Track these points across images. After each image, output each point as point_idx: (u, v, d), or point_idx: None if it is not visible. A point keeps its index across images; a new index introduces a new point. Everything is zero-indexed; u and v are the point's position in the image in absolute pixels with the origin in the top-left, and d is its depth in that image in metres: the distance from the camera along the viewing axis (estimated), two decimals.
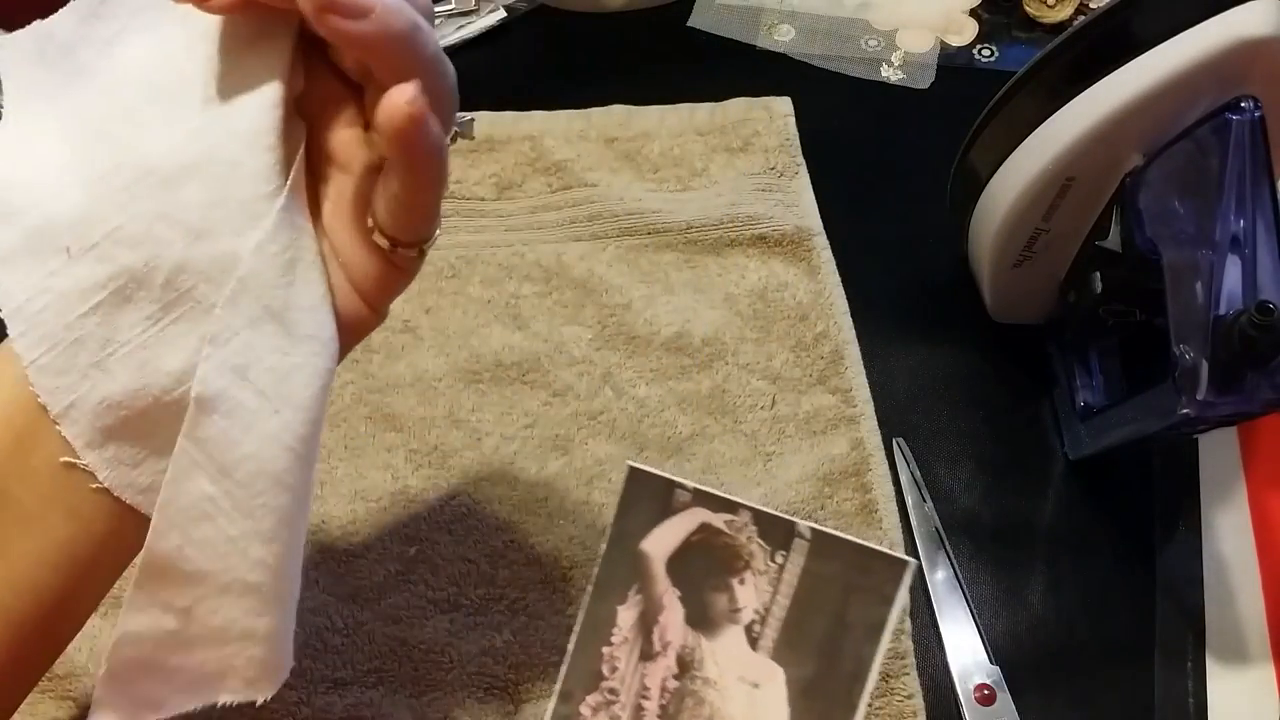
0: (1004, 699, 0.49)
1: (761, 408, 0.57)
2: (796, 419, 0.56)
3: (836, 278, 0.60)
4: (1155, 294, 0.45)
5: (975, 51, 0.72)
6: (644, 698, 0.35)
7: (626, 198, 0.63)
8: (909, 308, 0.61)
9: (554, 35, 0.74)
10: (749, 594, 0.35)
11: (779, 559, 0.35)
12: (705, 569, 0.35)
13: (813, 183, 0.64)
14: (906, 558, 0.34)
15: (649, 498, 0.36)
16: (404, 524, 0.53)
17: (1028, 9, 0.73)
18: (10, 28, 0.64)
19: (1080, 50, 0.47)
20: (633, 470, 0.36)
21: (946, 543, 0.53)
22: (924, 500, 0.54)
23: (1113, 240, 0.50)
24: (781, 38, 0.73)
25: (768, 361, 0.58)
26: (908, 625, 0.50)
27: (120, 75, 0.34)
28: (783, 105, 0.67)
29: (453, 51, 0.72)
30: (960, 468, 0.56)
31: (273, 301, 0.33)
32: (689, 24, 0.74)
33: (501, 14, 0.74)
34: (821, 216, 0.63)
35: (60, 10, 0.36)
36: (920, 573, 0.52)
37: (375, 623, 0.50)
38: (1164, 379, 0.44)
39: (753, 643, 0.35)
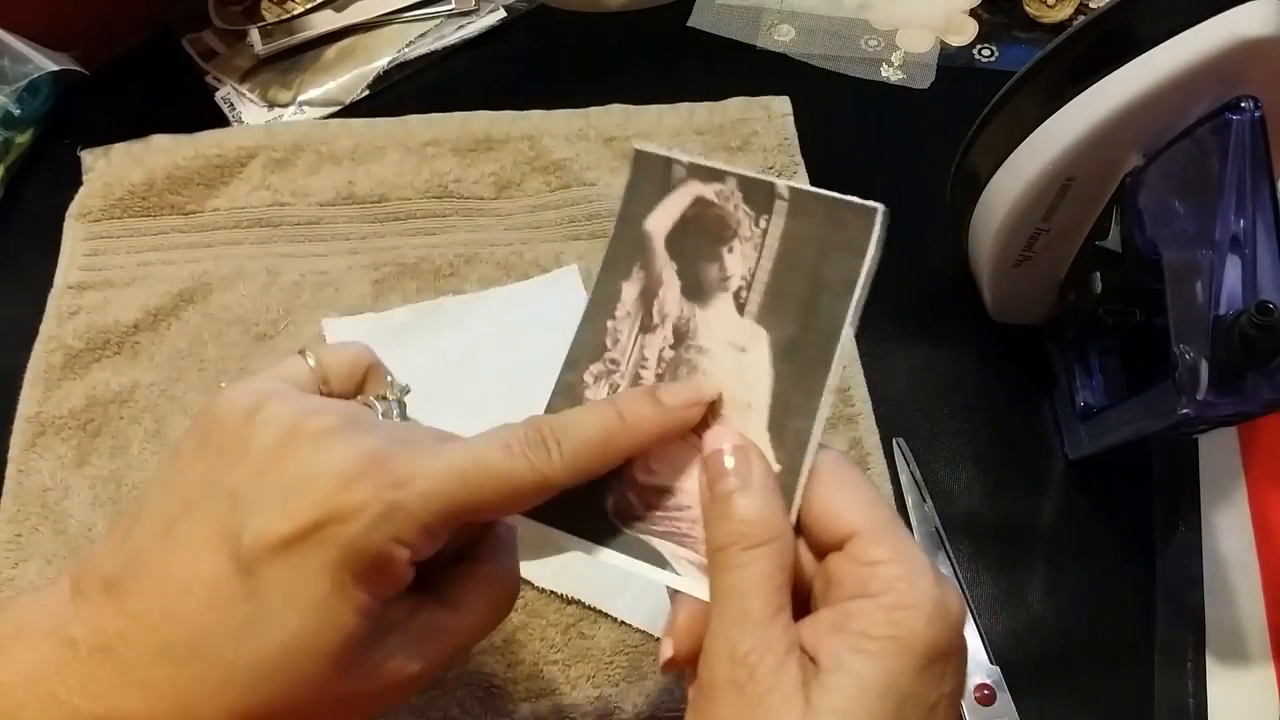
0: (1004, 699, 0.49)
1: None
2: None
3: None
4: (1155, 294, 0.45)
5: (975, 51, 0.72)
6: (642, 367, 0.37)
7: None
8: (909, 308, 0.61)
9: (554, 35, 0.74)
10: (736, 261, 0.36)
11: (762, 223, 0.36)
12: (699, 241, 0.37)
13: (812, 182, 0.64)
14: (876, 205, 0.34)
15: (651, 177, 0.38)
16: None
17: (1028, 9, 0.73)
18: (11, 28, 0.64)
19: (1080, 50, 0.47)
20: (638, 152, 0.38)
21: (946, 542, 0.53)
22: (924, 500, 0.54)
23: (1113, 240, 0.50)
24: (781, 37, 0.73)
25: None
26: None
27: None
28: (781, 105, 0.67)
29: (452, 51, 0.72)
30: (960, 468, 0.56)
31: None
32: (689, 24, 0.74)
33: (501, 14, 0.74)
34: None
35: None
36: None
37: None
38: (1164, 379, 0.44)
39: (740, 309, 0.36)
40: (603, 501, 0.36)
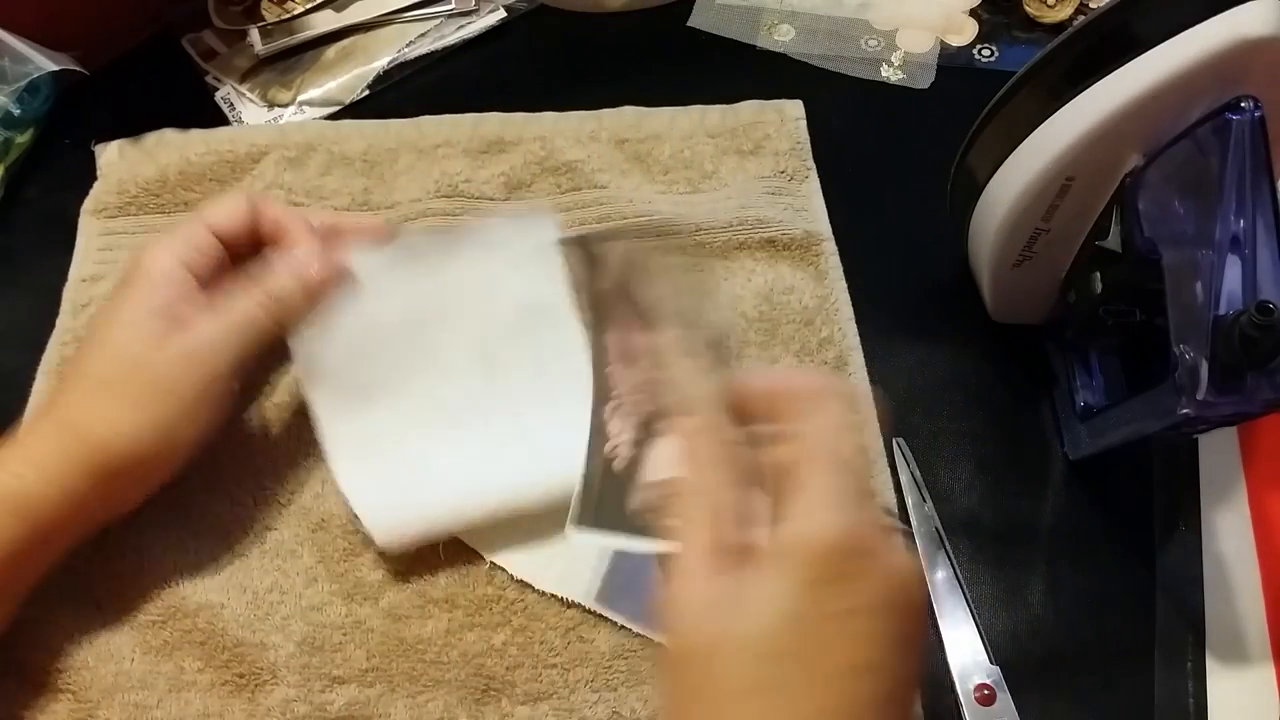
0: (1004, 699, 0.49)
1: None
2: None
3: (843, 283, 0.60)
4: (1155, 294, 0.45)
5: (975, 51, 0.72)
6: (638, 392, 0.45)
7: (636, 199, 0.63)
8: (909, 308, 0.61)
9: (554, 35, 0.74)
10: None
11: None
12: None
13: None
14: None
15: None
16: None
17: (1027, 9, 0.73)
18: (11, 28, 0.64)
19: (1080, 50, 0.47)
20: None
21: (946, 542, 0.53)
22: (924, 500, 0.54)
23: (1113, 240, 0.50)
24: (781, 37, 0.73)
25: (772, 365, 0.57)
26: None
27: None
28: (794, 109, 0.67)
29: (452, 51, 0.72)
30: (960, 468, 0.56)
31: None
32: (689, 24, 0.74)
33: (501, 14, 0.74)
34: None
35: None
36: (920, 573, 0.52)
37: (374, 621, 0.50)
38: (1164, 379, 0.44)
39: None
40: (625, 505, 0.42)
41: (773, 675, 0.33)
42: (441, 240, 0.56)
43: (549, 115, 0.66)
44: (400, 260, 0.55)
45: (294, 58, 0.71)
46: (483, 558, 0.51)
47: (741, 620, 0.33)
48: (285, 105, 0.69)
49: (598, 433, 0.45)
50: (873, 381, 0.57)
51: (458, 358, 0.54)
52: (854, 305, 0.59)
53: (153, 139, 0.64)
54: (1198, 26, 0.44)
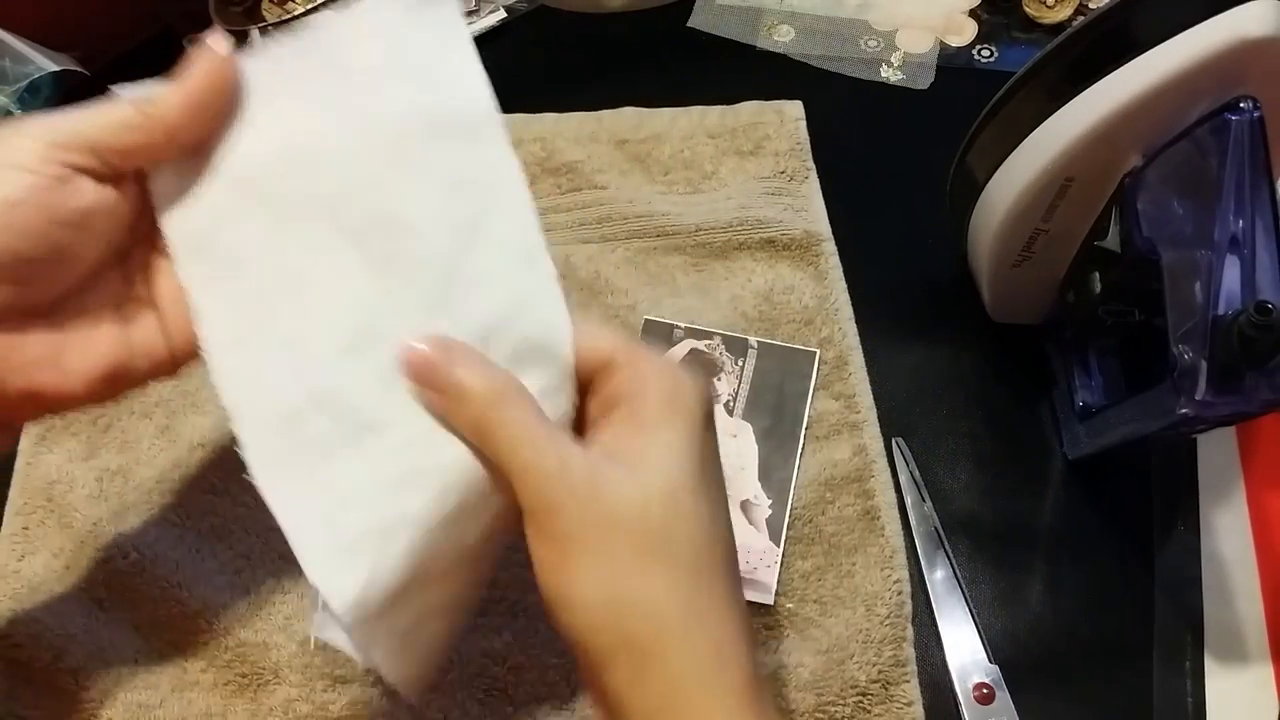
0: (1003, 698, 0.49)
1: None
2: None
3: (843, 283, 0.60)
4: (1154, 294, 0.45)
5: (975, 52, 0.72)
6: None
7: (636, 200, 0.63)
8: (908, 307, 0.61)
9: (554, 36, 0.74)
10: (724, 385, 0.57)
11: (740, 363, 0.58)
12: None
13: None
14: (814, 349, 0.58)
15: (659, 338, 0.58)
16: None
17: (1027, 10, 0.73)
18: (12, 28, 0.64)
19: (1079, 51, 0.47)
20: (647, 321, 0.58)
21: (945, 542, 0.53)
22: (923, 500, 0.54)
23: (1112, 240, 0.50)
24: (781, 38, 0.73)
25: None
26: (909, 634, 0.50)
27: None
28: (794, 109, 0.67)
29: None
30: (959, 467, 0.56)
31: None
32: (689, 24, 0.74)
33: (502, 14, 0.74)
34: None
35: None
36: (920, 572, 0.52)
37: None
38: (1163, 379, 0.44)
39: (729, 412, 0.56)
40: None
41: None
42: (299, 40, 0.40)
43: (549, 116, 0.67)
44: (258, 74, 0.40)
45: None
46: None
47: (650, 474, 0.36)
48: None
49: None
50: (872, 381, 0.57)
51: (341, 222, 0.39)
52: (854, 305, 0.60)
53: None
54: (1197, 27, 0.44)
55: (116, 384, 0.40)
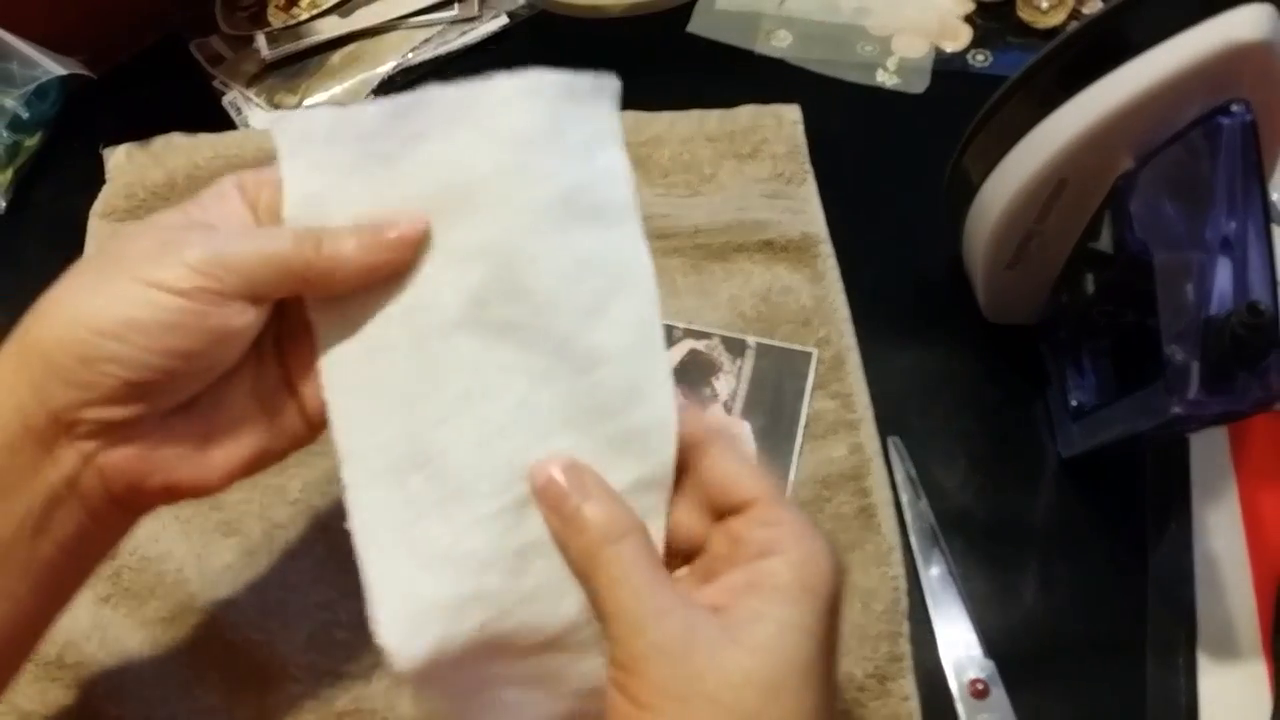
0: (998, 693, 0.49)
1: None
2: None
3: (840, 284, 0.61)
4: (1146, 295, 0.45)
5: (970, 56, 0.73)
6: None
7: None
8: (904, 308, 0.62)
9: (555, 41, 0.74)
10: (722, 385, 0.58)
11: (738, 363, 0.58)
12: (696, 374, 0.58)
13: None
14: (811, 350, 0.58)
15: None
16: None
17: (1021, 14, 0.73)
18: (19, 32, 0.64)
19: (1073, 55, 0.47)
20: None
21: (941, 539, 0.54)
22: (919, 497, 0.55)
23: (1105, 242, 0.50)
24: (779, 43, 0.74)
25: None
26: (905, 630, 0.51)
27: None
28: (792, 113, 0.68)
29: (456, 57, 0.73)
30: (954, 466, 0.56)
31: None
32: (688, 30, 0.74)
33: (503, 20, 0.74)
34: None
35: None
36: (915, 569, 0.53)
37: None
38: (1155, 379, 0.44)
39: (728, 410, 0.57)
40: None
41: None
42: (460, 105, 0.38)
43: None
44: (403, 121, 0.38)
45: (300, 63, 0.71)
46: None
47: (746, 653, 0.32)
48: (291, 110, 0.69)
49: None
50: (869, 380, 0.58)
51: (451, 299, 0.37)
52: (850, 305, 0.60)
53: (161, 143, 0.65)
54: (1189, 31, 0.44)
55: (255, 468, 0.39)
